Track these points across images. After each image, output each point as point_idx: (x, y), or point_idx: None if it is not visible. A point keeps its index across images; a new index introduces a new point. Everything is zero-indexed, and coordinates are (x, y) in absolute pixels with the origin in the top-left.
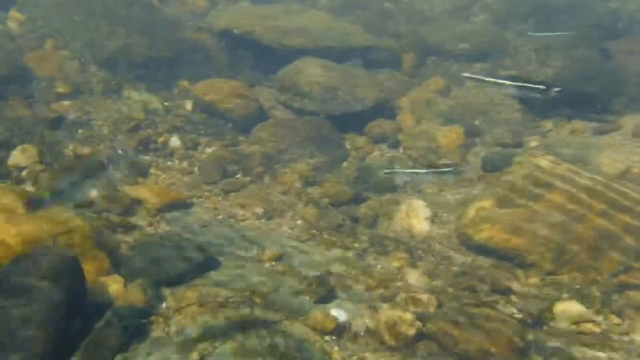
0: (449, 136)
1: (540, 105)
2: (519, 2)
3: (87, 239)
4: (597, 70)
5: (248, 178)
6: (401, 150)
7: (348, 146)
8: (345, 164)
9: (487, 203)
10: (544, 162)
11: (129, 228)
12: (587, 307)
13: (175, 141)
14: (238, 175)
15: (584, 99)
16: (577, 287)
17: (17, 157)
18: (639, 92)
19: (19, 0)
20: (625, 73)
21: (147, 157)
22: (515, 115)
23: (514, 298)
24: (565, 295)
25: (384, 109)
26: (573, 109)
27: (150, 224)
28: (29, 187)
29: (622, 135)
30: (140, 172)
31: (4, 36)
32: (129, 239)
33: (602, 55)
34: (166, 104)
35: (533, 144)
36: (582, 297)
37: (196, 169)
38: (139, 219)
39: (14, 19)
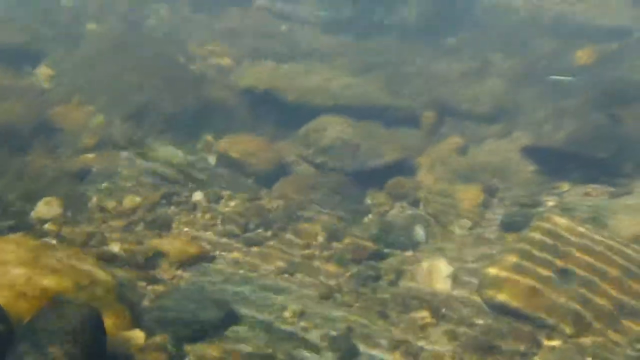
0: (467, 195)
1: (555, 167)
2: (533, 65)
3: (110, 292)
4: (608, 135)
5: (269, 232)
6: (421, 207)
7: (369, 202)
8: (366, 220)
9: (507, 264)
10: (563, 223)
11: (151, 281)
12: None
13: (198, 195)
14: (260, 230)
15: (596, 162)
16: (599, 350)
17: (41, 209)
18: None
19: (50, 55)
20: (635, 138)
21: (169, 211)
22: (532, 176)
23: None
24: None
25: (404, 167)
26: (587, 172)
27: (172, 278)
28: (52, 240)
29: (635, 198)
30: (163, 225)
31: (33, 90)
32: (151, 292)
33: (613, 120)
34: (190, 157)
35: (550, 204)
36: None
37: (219, 222)
38: (161, 273)
39: (44, 74)
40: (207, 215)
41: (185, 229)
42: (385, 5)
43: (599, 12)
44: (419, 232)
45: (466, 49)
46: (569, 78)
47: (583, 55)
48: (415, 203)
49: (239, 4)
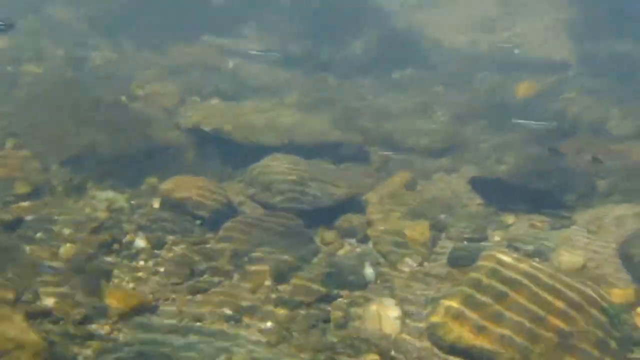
0: (416, 231)
1: (501, 199)
2: (476, 101)
3: (37, 356)
4: (549, 168)
5: (216, 277)
6: (370, 245)
7: (318, 241)
8: (315, 260)
9: (454, 302)
10: (507, 259)
11: (88, 337)
12: None
13: (140, 241)
14: (206, 275)
15: (539, 195)
16: None
17: None
18: (589, 189)
19: None
20: (575, 171)
21: (109, 259)
22: (478, 209)
23: None
24: None
25: (353, 204)
26: (530, 204)
27: (111, 332)
28: None
29: (577, 230)
30: (102, 275)
31: None
32: (88, 351)
33: (553, 153)
34: (132, 202)
35: (496, 237)
36: None
37: (162, 269)
38: (99, 327)
39: None
40: (150, 262)
41: (126, 278)
42: (333, 42)
43: (537, 47)
44: (368, 271)
45: (413, 84)
46: (536, 123)
47: (523, 89)
48: (365, 240)
49: (185, 40)
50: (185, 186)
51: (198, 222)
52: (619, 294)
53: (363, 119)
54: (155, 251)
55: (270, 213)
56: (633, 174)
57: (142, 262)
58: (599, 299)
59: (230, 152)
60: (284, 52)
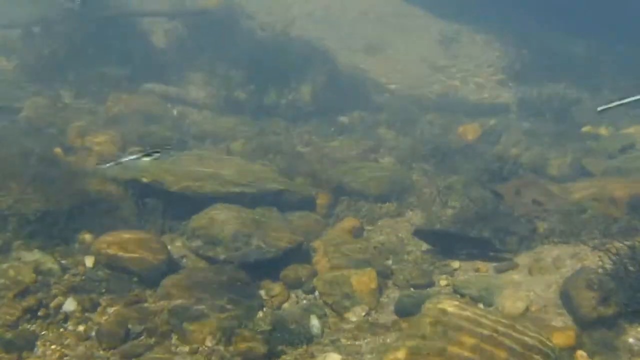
0: (362, 279)
1: (445, 245)
2: (421, 144)
3: None
4: (491, 211)
5: (153, 339)
6: (317, 295)
7: (263, 294)
8: (260, 314)
9: (400, 354)
10: (451, 307)
11: None
12: None
13: (70, 304)
14: (142, 337)
15: (482, 239)
16: None
17: None
18: (529, 231)
19: None
20: (516, 213)
21: (33, 327)
22: (424, 255)
23: None
24: None
25: (299, 253)
26: (474, 249)
27: None
28: None
29: (519, 273)
30: (25, 345)
31: None
32: None
33: (494, 196)
34: (63, 261)
35: (442, 283)
36: None
37: (93, 334)
38: None
39: None
40: (81, 328)
41: (52, 347)
42: (278, 87)
43: (478, 90)
44: (314, 323)
45: (359, 127)
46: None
47: (466, 132)
48: (311, 291)
49: (126, 88)
50: (122, 242)
51: (134, 279)
52: (560, 337)
53: (309, 164)
54: (87, 314)
55: (212, 267)
56: (570, 215)
57: (71, 327)
58: (540, 345)
59: (171, 204)
60: (230, 98)
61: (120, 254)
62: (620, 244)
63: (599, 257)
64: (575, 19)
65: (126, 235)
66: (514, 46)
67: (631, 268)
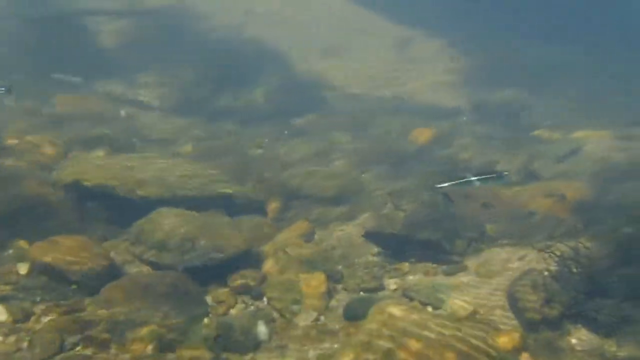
0: (311, 284)
1: (396, 248)
2: (374, 148)
3: None
4: (442, 214)
5: (91, 349)
6: (265, 301)
7: (209, 300)
8: (205, 321)
9: (346, 359)
10: (398, 311)
11: None
12: None
13: (0, 314)
14: (78, 347)
15: (432, 242)
16: None
17: None
18: (478, 234)
19: None
20: (465, 216)
21: None
22: (375, 259)
23: None
24: None
25: (248, 257)
26: (425, 251)
27: None
28: None
29: (468, 276)
30: None
31: None
32: None
33: (445, 199)
34: None
35: (392, 286)
36: None
37: (25, 345)
38: None
39: None
40: (12, 338)
41: None
42: (232, 88)
43: (432, 94)
44: (262, 329)
45: (313, 130)
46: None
47: (419, 135)
48: (260, 296)
49: (73, 89)
50: (60, 248)
51: (73, 286)
52: (505, 339)
53: (260, 167)
54: (19, 325)
55: (157, 273)
56: (518, 218)
57: (0, 339)
58: (486, 347)
59: (115, 209)
60: (182, 99)
61: (57, 260)
62: (564, 246)
63: (545, 259)
64: (529, 24)
65: (64, 241)
66: (468, 51)
67: (574, 270)
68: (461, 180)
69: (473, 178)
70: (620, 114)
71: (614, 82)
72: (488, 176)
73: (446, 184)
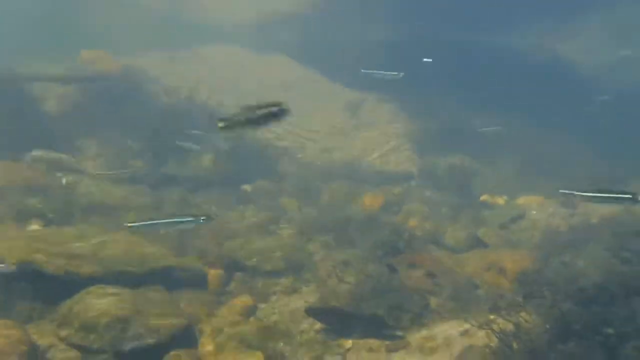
0: None
1: (339, 323)
2: (322, 215)
3: None
4: (386, 287)
5: None
6: None
7: None
8: None
9: None
10: None
11: None
12: None
13: None
14: None
15: (375, 317)
16: None
17: None
18: (422, 308)
19: None
20: (409, 289)
21: None
22: (317, 335)
23: None
24: None
25: (185, 336)
26: (368, 326)
27: None
28: None
29: (411, 353)
30: None
31: None
32: None
33: (389, 270)
34: None
35: None
36: None
37: None
38: None
39: None
40: None
41: None
42: (178, 154)
43: (384, 158)
44: None
45: (261, 197)
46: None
47: (368, 201)
48: None
49: (9, 155)
50: None
51: None
52: None
53: (203, 238)
54: None
55: (83, 357)
56: (461, 290)
57: None
58: None
59: (42, 287)
60: (125, 166)
61: None
62: (506, 321)
63: (487, 334)
64: (476, 93)
65: None
66: (418, 116)
67: (515, 345)
68: (597, 195)
69: (612, 195)
70: (564, 178)
71: (559, 148)
72: (623, 196)
73: (583, 194)
